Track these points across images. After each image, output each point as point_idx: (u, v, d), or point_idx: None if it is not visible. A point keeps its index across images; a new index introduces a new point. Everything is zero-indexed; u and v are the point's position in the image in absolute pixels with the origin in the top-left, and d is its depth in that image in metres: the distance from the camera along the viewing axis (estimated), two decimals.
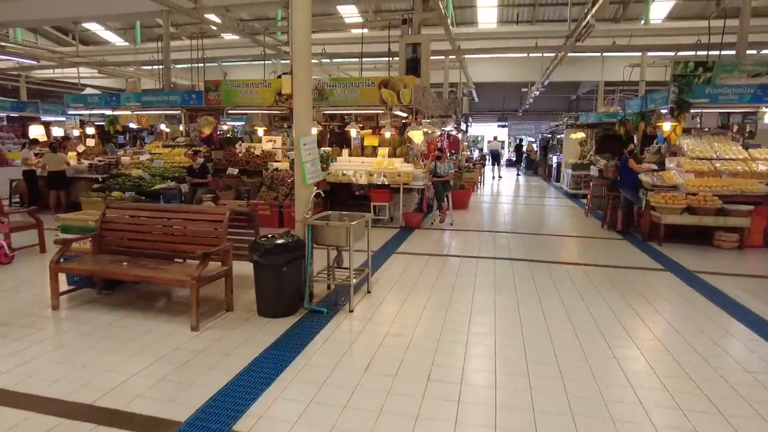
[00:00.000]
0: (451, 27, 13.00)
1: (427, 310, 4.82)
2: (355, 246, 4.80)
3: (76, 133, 13.23)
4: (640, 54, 17.51)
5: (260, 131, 11.26)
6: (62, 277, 4.99)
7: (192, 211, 4.97)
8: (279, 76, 11.83)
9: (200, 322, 4.29)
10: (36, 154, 11.18)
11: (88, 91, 15.92)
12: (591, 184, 11.64)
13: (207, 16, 13.17)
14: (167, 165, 10.83)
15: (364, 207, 9.18)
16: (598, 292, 5.46)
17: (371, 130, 11.42)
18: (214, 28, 18.01)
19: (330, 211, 5.25)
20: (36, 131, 12.44)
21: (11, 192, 11.34)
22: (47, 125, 13.82)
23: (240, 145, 11.05)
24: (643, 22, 15.71)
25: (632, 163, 8.56)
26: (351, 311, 4.72)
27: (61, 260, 4.90)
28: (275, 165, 10.09)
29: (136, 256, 5.04)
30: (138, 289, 5.29)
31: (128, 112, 11.90)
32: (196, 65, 17.79)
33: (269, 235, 4.62)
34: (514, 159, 28.05)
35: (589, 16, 9.11)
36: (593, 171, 12.78)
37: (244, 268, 5.07)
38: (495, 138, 27.37)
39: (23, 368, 3.55)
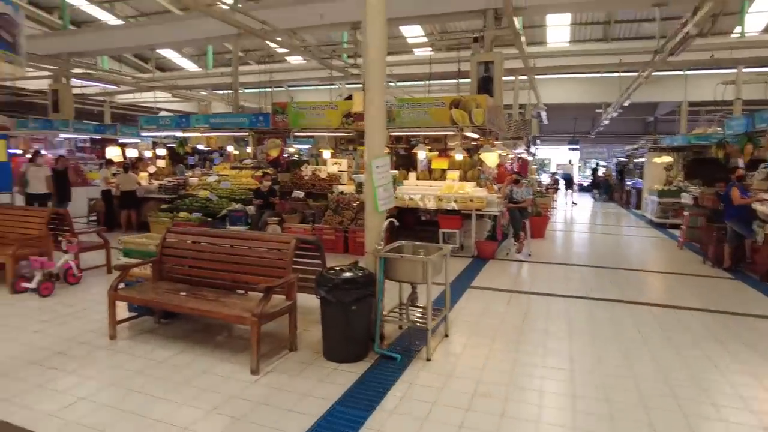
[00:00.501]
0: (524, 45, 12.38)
1: (519, 364, 4.09)
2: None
3: (148, 154, 13.64)
4: (730, 70, 15.99)
5: (326, 154, 11.01)
6: (123, 303, 4.75)
7: (255, 238, 4.59)
8: (347, 98, 11.61)
9: (261, 363, 3.84)
10: (113, 174, 11.51)
11: (162, 114, 16.55)
12: (684, 213, 10.43)
13: (270, 41, 13.32)
14: (234, 187, 10.78)
15: (432, 233, 8.59)
16: (721, 343, 4.53)
17: (437, 153, 10.90)
18: (280, 50, 18.40)
19: (402, 242, 4.70)
20: (112, 152, 12.91)
21: (89, 210, 11.71)
22: (123, 147, 14.36)
23: (306, 168, 10.84)
24: (738, 34, 14.33)
25: (734, 194, 7.45)
26: (428, 360, 4.10)
27: (121, 285, 4.66)
28: (341, 188, 9.75)
29: (196, 285, 4.71)
30: (197, 319, 4.95)
31: (198, 134, 12.07)
32: (264, 89, 18.18)
33: (337, 268, 4.13)
34: (587, 183, 26.53)
35: (688, 26, 8.18)
36: (685, 198, 11.52)
37: (308, 300, 4.62)
38: (569, 161, 26.04)
39: (69, 411, 3.22)
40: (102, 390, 3.52)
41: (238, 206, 9.87)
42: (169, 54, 23.30)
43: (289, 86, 21.79)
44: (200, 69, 23.06)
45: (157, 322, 4.90)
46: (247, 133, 11.95)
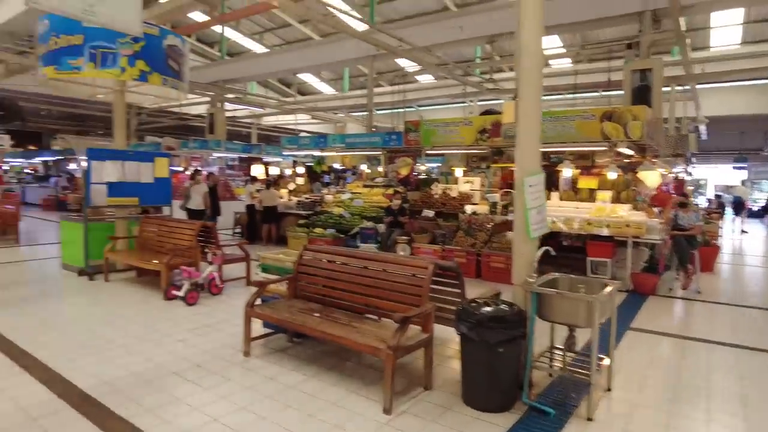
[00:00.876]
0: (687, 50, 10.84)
1: None
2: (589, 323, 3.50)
3: (288, 172, 14.42)
4: None
5: (458, 171, 10.58)
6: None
7: (390, 260, 4.27)
8: (483, 113, 11.12)
9: (393, 401, 3.45)
10: (257, 190, 12.29)
11: (302, 135, 17.53)
12: None
13: (406, 58, 13.32)
14: (366, 204, 10.82)
15: (575, 261, 7.64)
16: None
17: (579, 171, 9.85)
18: (411, 69, 18.50)
19: (555, 274, 4.04)
20: (257, 170, 13.88)
21: (235, 223, 12.63)
22: (266, 165, 15.40)
23: (436, 186, 10.51)
24: None
25: None
26: (589, 419, 3.39)
27: (258, 301, 4.64)
28: (473, 208, 9.21)
29: (329, 306, 4.52)
30: (329, 341, 4.76)
31: (334, 153, 12.44)
32: (395, 110, 18.39)
33: (480, 300, 3.63)
34: (758, 208, 22.66)
35: None
36: None
37: (442, 330, 4.17)
38: (742, 182, 22.59)
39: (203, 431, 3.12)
40: (234, 413, 3.40)
41: (369, 224, 9.83)
42: (309, 79, 24.88)
43: (419, 106, 21.90)
44: (336, 92, 24.25)
45: (290, 341, 4.80)
46: (379, 152, 12.00)
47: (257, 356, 4.46)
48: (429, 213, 9.42)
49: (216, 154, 16.33)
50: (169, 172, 8.65)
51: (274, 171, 14.40)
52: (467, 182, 10.35)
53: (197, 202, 10.41)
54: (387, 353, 3.37)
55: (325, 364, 4.28)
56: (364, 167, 13.33)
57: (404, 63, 18.56)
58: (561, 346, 3.94)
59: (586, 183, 9.35)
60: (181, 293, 6.20)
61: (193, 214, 10.29)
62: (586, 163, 10.09)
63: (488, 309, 3.49)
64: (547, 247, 3.84)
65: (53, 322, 5.31)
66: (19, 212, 11.76)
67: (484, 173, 11.28)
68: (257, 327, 4.73)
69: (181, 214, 9.86)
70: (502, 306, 3.56)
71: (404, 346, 3.54)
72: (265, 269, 5.29)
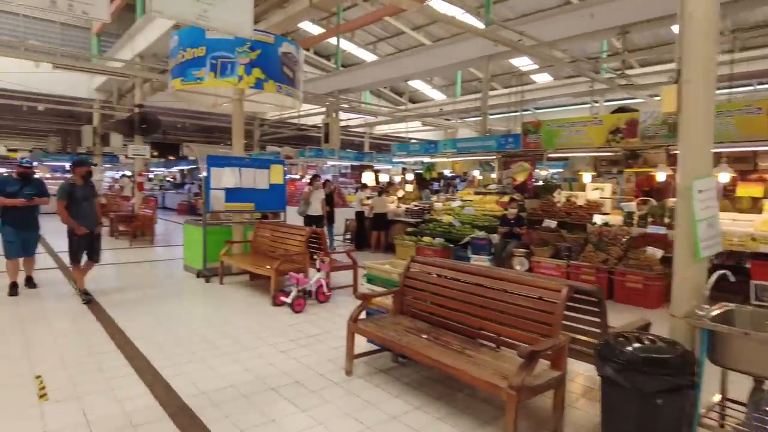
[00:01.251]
0: None
1: None
2: None
3: (397, 179, 14.19)
4: None
5: (587, 177, 9.49)
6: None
7: (512, 279, 3.64)
8: (614, 111, 9.91)
9: None
10: (367, 198, 12.20)
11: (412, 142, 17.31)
12: None
13: (513, 61, 12.40)
14: (478, 213, 10.16)
15: (731, 285, 6.26)
16: None
17: (736, 175, 8.26)
18: (525, 68, 17.38)
19: (731, 305, 3.13)
20: (367, 177, 13.85)
21: (345, 230, 12.67)
22: (377, 172, 15.35)
23: (558, 194, 9.53)
24: None
25: None
26: None
27: (363, 314, 4.28)
28: (603, 219, 8.13)
29: (438, 326, 4.02)
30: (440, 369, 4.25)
31: (444, 159, 11.93)
32: (510, 113, 17.40)
33: (628, 335, 2.88)
34: None
35: None
36: None
37: (574, 362, 3.45)
38: None
39: None
40: None
41: (481, 234, 9.15)
42: (420, 86, 24.70)
43: (536, 108, 20.59)
44: (447, 98, 23.78)
45: (395, 361, 4.37)
46: (493, 157, 11.26)
47: (359, 376, 4.08)
48: (551, 223, 8.50)
49: (330, 162, 16.69)
50: (284, 179, 8.77)
51: (384, 178, 14.25)
52: (596, 189, 9.23)
53: (316, 208, 10.29)
54: (509, 393, 2.77)
55: (432, 393, 3.77)
56: (476, 173, 12.64)
57: (519, 63, 17.55)
58: (739, 401, 3.02)
59: (746, 190, 7.84)
60: (288, 300, 6.09)
61: (310, 220, 10.18)
62: (746, 167, 8.49)
63: (641, 347, 2.74)
64: (724, 271, 2.97)
65: (167, 323, 5.44)
66: (155, 216, 12.87)
67: (615, 179, 10.04)
68: (361, 341, 4.37)
69: (297, 220, 10.01)
70: (660, 344, 2.78)
71: (531, 386, 2.91)
72: (371, 280, 4.94)
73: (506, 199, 10.07)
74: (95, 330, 5.12)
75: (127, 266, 9.03)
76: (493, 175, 12.85)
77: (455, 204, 10.85)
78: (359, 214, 11.77)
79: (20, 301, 6.19)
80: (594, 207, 8.64)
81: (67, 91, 17.57)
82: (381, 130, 26.43)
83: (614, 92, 14.07)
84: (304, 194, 10.45)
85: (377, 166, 16.98)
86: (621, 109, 10.36)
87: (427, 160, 12.90)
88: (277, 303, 6.24)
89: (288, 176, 18.90)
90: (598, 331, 3.32)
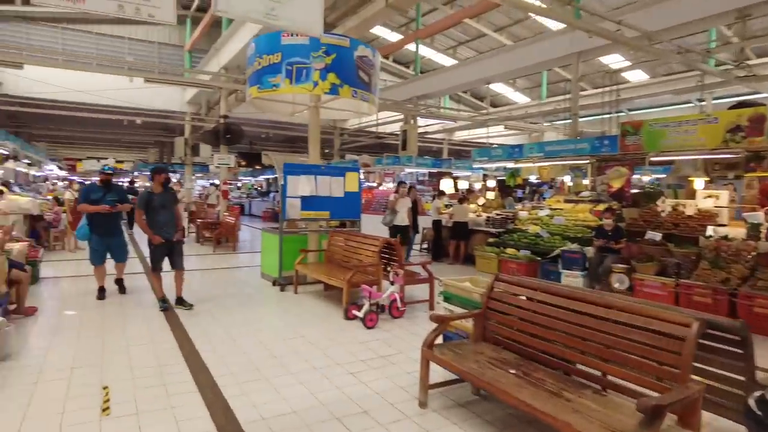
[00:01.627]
0: None
1: None
2: None
3: (478, 186, 13.50)
4: None
5: (698, 183, 8.32)
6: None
7: (624, 308, 2.98)
8: (732, 107, 8.64)
9: None
10: (446, 205, 11.66)
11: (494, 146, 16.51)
12: None
13: (603, 59, 11.28)
14: (569, 223, 9.28)
15: None
16: None
17: None
18: (616, 65, 15.93)
19: None
20: (446, 184, 13.30)
21: (422, 239, 12.20)
22: (455, 179, 14.75)
23: (663, 202, 8.43)
24: None
25: None
26: None
27: (439, 339, 3.80)
28: (720, 231, 7.01)
29: (527, 358, 3.44)
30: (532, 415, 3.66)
31: (530, 164, 11.12)
32: (602, 116, 16.07)
33: None
34: None
35: None
36: None
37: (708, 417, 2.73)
38: None
39: None
40: None
41: (573, 246, 8.31)
42: (502, 89, 23.77)
43: (629, 110, 18.94)
44: (531, 101, 22.64)
45: (476, 394, 3.83)
46: (586, 161, 10.29)
47: (435, 409, 3.59)
48: (655, 236, 7.48)
49: (407, 170, 16.34)
50: (359, 187, 8.51)
51: (463, 185, 13.61)
52: (709, 196, 8.05)
53: (402, 217, 9.59)
54: None
55: None
56: (567, 179, 11.67)
57: (609, 60, 16.18)
58: None
59: None
60: (360, 314, 5.74)
61: (396, 230, 9.46)
62: None
63: None
64: None
65: (237, 334, 5.28)
66: (238, 223, 13.19)
67: (732, 185, 8.74)
68: (438, 367, 3.88)
69: (375, 229, 9.70)
70: None
71: None
72: (448, 298, 4.44)
73: (601, 207, 9.11)
74: (166, 339, 5.06)
75: (207, 272, 9.19)
76: (585, 182, 11.81)
77: (542, 213, 10.02)
78: (436, 223, 11.26)
79: (106, 304, 6.37)
80: (707, 217, 7.50)
81: (162, 105, 18.74)
82: (460, 136, 25.77)
83: (726, 87, 12.48)
84: (390, 203, 9.82)
85: (456, 173, 16.37)
86: (741, 105, 9.03)
87: (510, 165, 12.13)
88: (349, 316, 5.91)
89: (365, 184, 18.86)
90: (741, 377, 2.59)
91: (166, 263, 6.23)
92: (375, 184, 16.71)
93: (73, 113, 17.10)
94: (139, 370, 4.22)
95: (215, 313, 6.13)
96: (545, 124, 20.22)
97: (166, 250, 6.18)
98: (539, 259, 8.92)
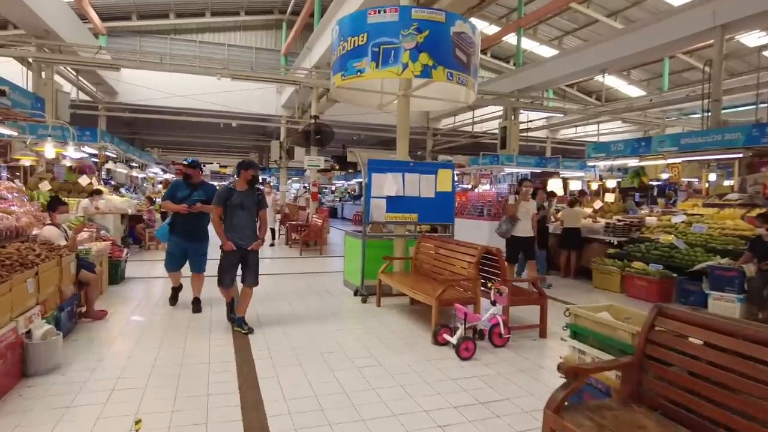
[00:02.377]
0: None
1: None
2: None
3: (594, 186, 11.69)
4: None
5: None
6: None
7: None
8: None
9: None
10: (555, 210, 10.15)
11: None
12: None
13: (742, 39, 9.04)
14: (713, 231, 7.48)
15: None
16: None
17: None
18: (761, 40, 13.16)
19: None
20: (555, 185, 11.71)
21: None
22: (565, 181, 13.07)
23: None
24: None
25: None
26: None
27: (570, 399, 2.62)
28: None
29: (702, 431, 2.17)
30: None
31: (660, 161, 9.27)
32: (745, 107, 13.46)
33: None
34: None
35: None
36: None
37: None
38: None
39: None
40: None
41: (724, 261, 6.57)
42: (614, 82, 21.38)
43: None
44: (647, 94, 20.06)
45: None
46: (734, 155, 8.32)
47: None
48: None
49: (507, 170, 14.87)
50: (452, 187, 7.43)
51: (575, 186, 11.84)
52: None
53: (526, 226, 7.46)
54: None
55: None
56: (712, 177, 9.63)
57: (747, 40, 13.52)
58: None
59: None
60: (453, 340, 4.67)
61: (517, 243, 7.46)
62: None
63: None
64: None
65: (306, 358, 4.44)
66: (326, 225, 12.66)
67: None
68: None
69: (470, 236, 8.56)
70: None
71: None
72: (577, 333, 3.22)
73: (755, 213, 7.24)
74: (226, 359, 4.35)
75: (289, 277, 8.61)
76: (728, 182, 9.73)
77: (677, 219, 8.23)
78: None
79: (175, 313, 5.87)
80: None
81: (259, 108, 19.01)
82: (564, 134, 23.62)
83: None
84: (508, 207, 7.67)
85: (564, 174, 14.60)
86: None
87: (632, 163, 10.30)
88: (439, 341, 4.86)
89: (459, 186, 17.60)
90: None
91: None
92: (470, 186, 15.44)
93: (175, 117, 17.84)
94: (184, 401, 3.50)
95: (287, 328, 5.37)
96: (673, 118, 17.61)
97: (237, 260, 5.15)
98: (675, 275, 7.26)
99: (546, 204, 8.86)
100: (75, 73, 14.66)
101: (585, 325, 3.13)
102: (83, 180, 10.40)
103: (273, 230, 13.48)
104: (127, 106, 17.55)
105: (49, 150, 7.85)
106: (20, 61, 11.23)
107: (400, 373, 4.13)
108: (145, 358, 4.30)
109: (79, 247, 6.01)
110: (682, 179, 11.48)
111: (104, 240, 7.47)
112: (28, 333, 3.90)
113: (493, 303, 4.89)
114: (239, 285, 5.47)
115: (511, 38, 20.30)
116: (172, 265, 6.00)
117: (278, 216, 15.09)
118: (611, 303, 3.45)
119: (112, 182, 16.87)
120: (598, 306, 3.30)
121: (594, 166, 12.34)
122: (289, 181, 28.16)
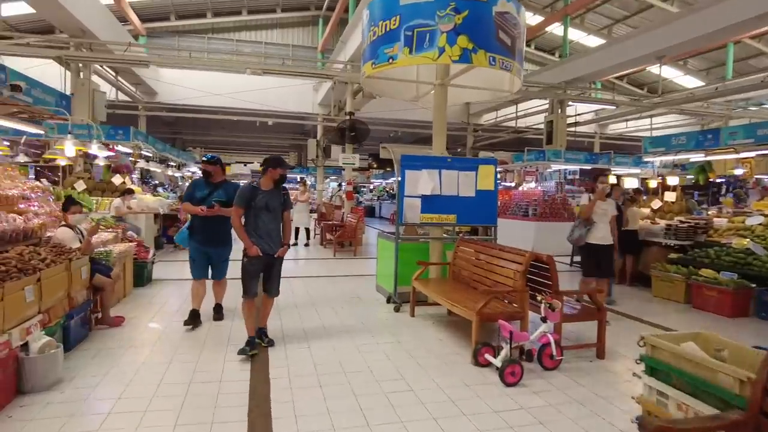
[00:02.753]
0: None
1: None
2: None
3: (652, 184, 10.67)
4: None
5: None
6: None
7: None
8: None
9: None
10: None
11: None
12: None
13: None
14: None
15: None
16: None
17: None
18: None
19: None
20: (630, 182, 10.77)
21: (572, 252, 9.92)
22: (618, 177, 12.10)
23: None
24: None
25: None
26: None
27: None
28: None
29: None
30: None
31: (731, 156, 8.27)
32: None
33: None
34: None
35: None
36: None
37: None
38: None
39: None
40: None
41: None
42: (669, 73, 19.95)
43: None
44: (705, 84, 18.58)
45: None
46: None
47: None
48: None
49: (554, 166, 13.96)
50: (495, 184, 6.76)
51: (631, 184, 10.80)
52: None
53: (604, 232, 6.37)
54: None
55: None
56: None
57: None
58: None
59: None
60: (497, 362, 4.04)
61: (593, 252, 6.42)
62: None
63: None
64: None
65: (326, 381, 3.91)
66: (361, 225, 12.17)
67: None
68: None
69: (514, 240, 7.85)
70: None
71: None
72: (656, 370, 2.55)
73: None
74: (240, 378, 3.89)
75: (321, 281, 8.16)
76: None
77: (753, 220, 7.26)
78: None
79: (193, 334, 5.15)
80: None
81: (295, 107, 18.75)
82: (616, 129, 22.31)
83: None
84: (583, 209, 6.47)
85: (616, 171, 13.57)
86: None
87: (695, 158, 9.29)
88: (480, 362, 4.25)
89: (501, 184, 16.77)
90: None
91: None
92: (513, 184, 14.62)
93: (211, 116, 17.82)
94: (186, 427, 3.05)
95: (312, 342, 4.88)
96: (737, 109, 16.19)
97: (262, 267, 4.58)
98: (753, 285, 6.35)
99: (621, 204, 7.47)
100: (114, 74, 14.78)
101: (666, 359, 2.46)
102: (116, 179, 10.32)
103: (308, 230, 13.14)
104: (165, 105, 17.67)
105: (69, 148, 7.67)
106: (58, 61, 11.28)
107: (434, 401, 3.55)
108: (153, 375, 3.90)
109: (98, 249, 5.73)
110: (754, 176, 10.32)
111: (130, 241, 7.23)
112: (25, 345, 3.57)
113: (544, 320, 4.24)
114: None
115: (556, 28, 19.27)
116: (197, 272, 5.43)
117: (314, 215, 14.74)
118: (698, 330, 2.75)
119: (152, 181, 16.98)
120: (682, 335, 2.62)
121: (651, 162, 11.32)
122: (327, 180, 27.93)
